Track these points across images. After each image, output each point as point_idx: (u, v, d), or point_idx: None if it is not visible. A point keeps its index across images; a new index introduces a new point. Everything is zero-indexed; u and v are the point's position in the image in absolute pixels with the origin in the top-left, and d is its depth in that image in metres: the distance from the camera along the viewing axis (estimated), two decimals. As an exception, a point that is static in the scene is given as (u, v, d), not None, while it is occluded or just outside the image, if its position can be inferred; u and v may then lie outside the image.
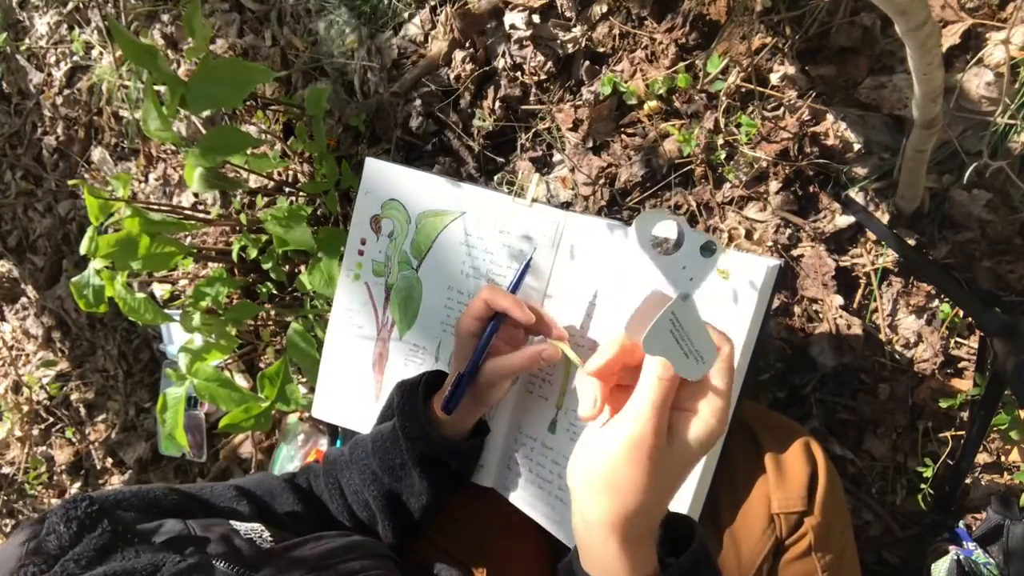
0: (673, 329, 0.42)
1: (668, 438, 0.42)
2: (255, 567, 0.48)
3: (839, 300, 0.93)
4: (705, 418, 0.43)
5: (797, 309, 0.96)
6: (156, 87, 0.86)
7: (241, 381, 1.38)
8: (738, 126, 0.93)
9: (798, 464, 0.66)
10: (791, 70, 0.91)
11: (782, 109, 0.93)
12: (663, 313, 0.41)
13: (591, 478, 0.43)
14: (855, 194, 0.91)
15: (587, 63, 1.01)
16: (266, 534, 0.54)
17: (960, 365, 0.92)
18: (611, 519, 0.42)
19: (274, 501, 0.64)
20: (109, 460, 1.64)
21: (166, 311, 1.00)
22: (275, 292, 1.22)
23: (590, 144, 1.03)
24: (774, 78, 0.92)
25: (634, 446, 0.41)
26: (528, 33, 1.01)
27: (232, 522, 0.54)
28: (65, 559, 0.43)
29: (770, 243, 0.95)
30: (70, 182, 1.27)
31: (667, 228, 0.44)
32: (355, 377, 0.80)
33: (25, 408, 1.72)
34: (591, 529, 0.43)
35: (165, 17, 1.35)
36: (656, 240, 0.43)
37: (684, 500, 0.62)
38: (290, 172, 1.24)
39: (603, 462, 0.42)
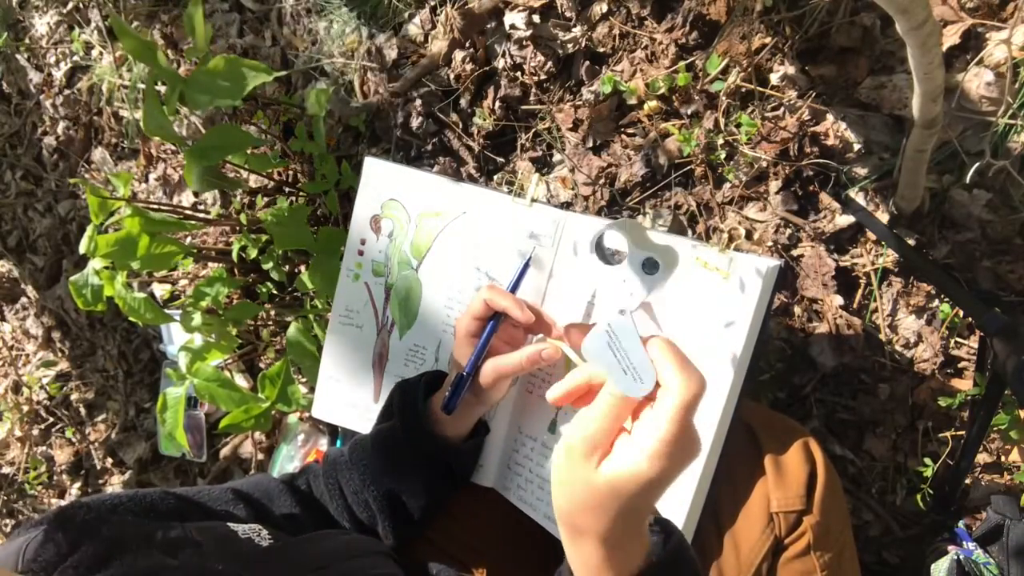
0: (610, 342, 0.42)
1: (606, 458, 0.42)
2: (253, 567, 0.48)
3: (839, 300, 0.93)
4: (634, 451, 0.41)
5: (797, 309, 0.96)
6: (156, 86, 0.86)
7: (241, 381, 1.38)
8: (738, 126, 0.93)
9: (797, 463, 0.66)
10: (791, 70, 0.91)
11: (782, 109, 0.93)
12: (599, 324, 0.41)
13: (551, 476, 0.45)
14: (855, 194, 0.91)
15: (587, 63, 1.01)
16: (264, 532, 0.54)
17: (960, 365, 0.91)
18: (559, 512, 0.45)
19: (272, 503, 0.64)
20: (109, 460, 1.64)
21: (166, 311, 1.00)
22: (275, 292, 1.22)
23: (590, 144, 1.03)
24: (774, 78, 0.92)
25: (568, 449, 0.43)
26: (528, 33, 1.01)
27: (229, 524, 0.54)
28: (64, 567, 0.43)
29: (770, 243, 0.95)
30: (70, 182, 1.26)
31: (614, 240, 0.43)
32: (355, 377, 0.80)
33: (25, 408, 1.72)
34: (559, 526, 0.45)
35: (165, 17, 1.35)
36: (609, 251, 0.43)
37: (684, 500, 0.62)
38: (290, 172, 1.24)
39: (553, 459, 0.45)
